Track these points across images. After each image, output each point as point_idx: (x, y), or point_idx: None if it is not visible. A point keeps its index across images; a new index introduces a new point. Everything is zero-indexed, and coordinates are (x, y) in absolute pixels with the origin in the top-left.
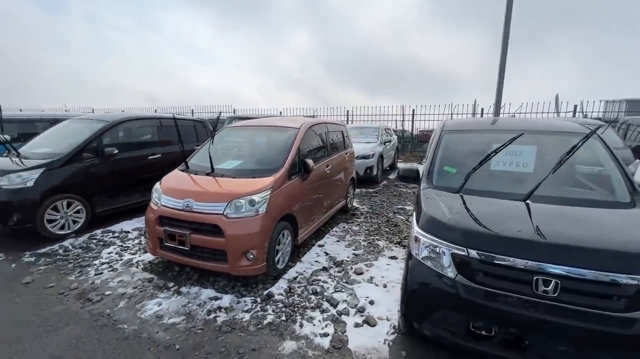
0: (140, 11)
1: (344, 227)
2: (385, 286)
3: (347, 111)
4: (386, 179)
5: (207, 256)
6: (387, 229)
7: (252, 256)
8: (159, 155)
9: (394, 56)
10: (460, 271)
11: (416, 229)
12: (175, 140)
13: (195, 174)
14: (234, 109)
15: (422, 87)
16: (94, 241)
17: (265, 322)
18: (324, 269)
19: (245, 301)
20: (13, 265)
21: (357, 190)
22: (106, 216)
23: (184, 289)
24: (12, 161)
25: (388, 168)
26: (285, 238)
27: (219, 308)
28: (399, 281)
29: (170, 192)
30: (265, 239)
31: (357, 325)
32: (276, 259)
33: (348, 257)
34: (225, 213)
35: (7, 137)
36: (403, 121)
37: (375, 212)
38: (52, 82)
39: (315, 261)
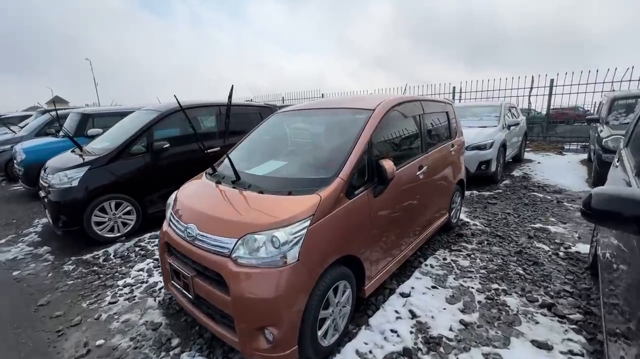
0: (230, 8)
1: (444, 260)
2: None
3: (454, 87)
4: (509, 177)
5: (215, 316)
6: (520, 271)
7: (271, 336)
8: (218, 148)
9: (496, 13)
10: None
11: None
12: (242, 129)
13: (221, 181)
14: (322, 94)
15: (537, 54)
16: (137, 249)
17: None
18: (406, 352)
19: None
20: (50, 274)
21: (466, 193)
22: (160, 217)
23: (185, 357)
24: (73, 157)
25: (511, 160)
26: (340, 296)
27: None
28: None
29: (177, 209)
30: (295, 308)
31: None
32: (320, 333)
33: (451, 329)
34: (232, 255)
35: (67, 130)
36: (530, 96)
37: (496, 233)
38: (167, 79)
39: (392, 331)
